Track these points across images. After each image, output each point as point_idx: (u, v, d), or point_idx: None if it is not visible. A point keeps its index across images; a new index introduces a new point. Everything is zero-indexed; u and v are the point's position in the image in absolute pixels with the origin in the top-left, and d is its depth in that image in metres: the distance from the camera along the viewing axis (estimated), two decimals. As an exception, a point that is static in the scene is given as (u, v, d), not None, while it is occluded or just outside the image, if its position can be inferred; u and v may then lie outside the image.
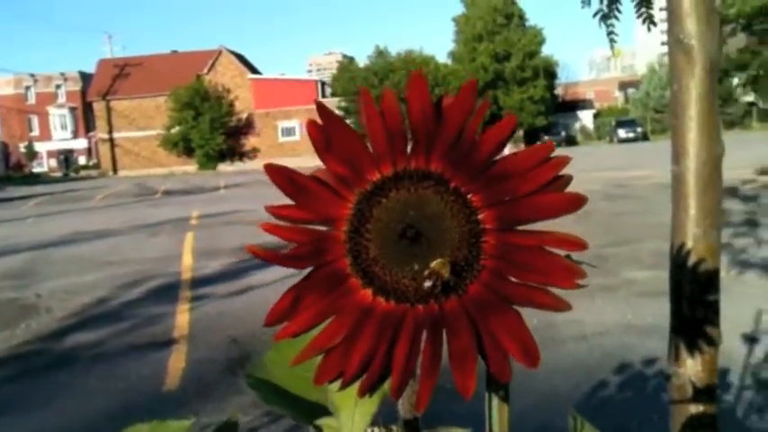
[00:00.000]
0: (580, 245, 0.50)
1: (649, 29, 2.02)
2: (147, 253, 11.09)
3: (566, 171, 0.53)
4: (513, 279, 0.53)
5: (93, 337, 6.54)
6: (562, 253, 0.52)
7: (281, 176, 0.54)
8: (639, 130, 46.62)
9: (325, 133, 0.54)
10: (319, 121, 0.54)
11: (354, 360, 0.52)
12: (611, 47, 2.07)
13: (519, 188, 0.52)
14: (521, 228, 0.53)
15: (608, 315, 6.00)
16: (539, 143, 0.52)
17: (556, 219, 0.51)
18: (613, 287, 6.88)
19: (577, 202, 0.51)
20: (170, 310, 7.36)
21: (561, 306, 0.51)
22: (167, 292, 8.26)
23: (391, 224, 0.54)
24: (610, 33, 2.03)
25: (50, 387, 5.10)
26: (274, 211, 0.55)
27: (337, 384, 0.52)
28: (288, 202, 0.56)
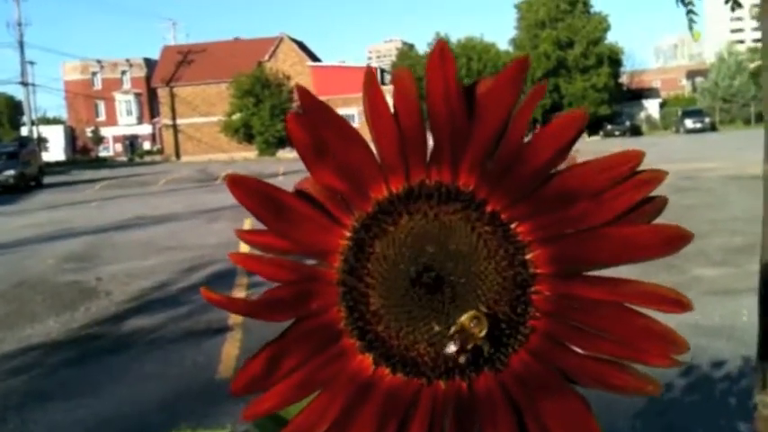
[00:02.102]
0: (683, 304, 0.34)
1: (733, 8, 1.82)
2: (205, 239, 11.17)
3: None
4: (575, 349, 0.36)
5: (150, 322, 6.58)
6: (653, 313, 0.35)
7: (248, 192, 0.39)
8: (707, 120, 45.31)
9: (313, 133, 0.38)
10: (305, 114, 0.38)
11: (346, 456, 0.37)
12: (691, 27, 1.86)
13: (589, 216, 0.36)
14: (590, 274, 0.37)
15: (674, 314, 5.76)
16: (621, 152, 0.35)
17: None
18: (681, 285, 6.58)
19: (680, 239, 0.34)
20: (226, 298, 7.36)
21: (649, 390, 0.35)
22: (224, 279, 8.28)
23: (401, 264, 0.38)
24: (689, 12, 1.82)
25: (106, 371, 5.13)
26: (247, 237, 0.40)
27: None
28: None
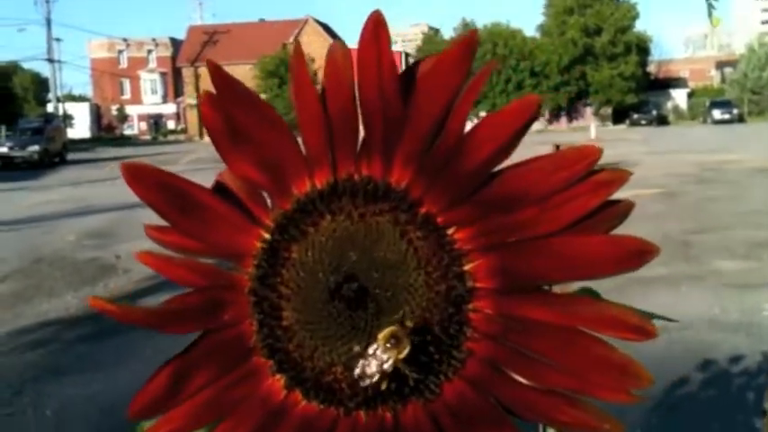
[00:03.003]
0: (646, 331, 0.28)
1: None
2: (223, 219, 11.18)
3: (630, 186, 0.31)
4: (519, 378, 0.31)
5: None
6: (610, 339, 0.29)
7: (148, 186, 0.33)
8: (735, 111, 44.62)
9: (229, 116, 0.33)
10: (218, 94, 0.33)
11: (250, 494, 0.32)
12: (710, 13, 1.77)
13: (535, 223, 0.30)
14: (539, 291, 0.31)
15: (692, 307, 5.65)
16: (575, 147, 0.29)
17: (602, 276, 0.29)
18: (699, 277, 6.48)
19: (640, 254, 0.28)
20: (243, 278, 7.38)
21: (606, 429, 0.29)
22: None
23: (319, 272, 0.32)
24: (708, -1, 1.73)
25: (123, 347, 5.13)
26: (155, 234, 0.35)
27: None
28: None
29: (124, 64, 57.57)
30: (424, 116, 0.31)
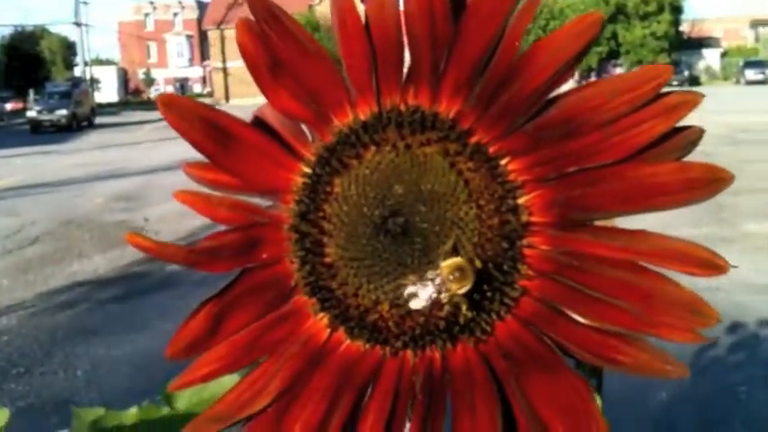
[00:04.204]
0: (718, 266, 0.26)
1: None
2: (251, 182, 11.23)
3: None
4: (575, 317, 0.29)
5: (196, 262, 6.65)
6: (676, 275, 0.27)
7: (185, 117, 0.32)
8: (769, 71, 43.75)
9: (268, 46, 0.31)
10: (258, 23, 0.31)
11: (293, 435, 0.30)
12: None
13: (599, 151, 0.28)
14: (598, 224, 0.29)
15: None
16: (643, 67, 0.27)
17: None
18: (730, 239, 6.40)
19: (714, 182, 0.26)
20: (272, 238, 7.44)
21: (668, 371, 0.27)
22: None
23: (364, 207, 0.31)
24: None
25: (152, 309, 5.20)
26: (193, 172, 0.34)
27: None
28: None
29: (151, 27, 57.64)
30: (475, 40, 0.29)
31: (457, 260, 0.30)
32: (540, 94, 0.28)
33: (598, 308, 0.28)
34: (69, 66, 51.91)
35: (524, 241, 0.30)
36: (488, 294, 0.30)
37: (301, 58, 0.32)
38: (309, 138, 0.33)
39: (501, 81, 0.29)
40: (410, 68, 0.30)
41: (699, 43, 56.22)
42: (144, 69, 56.05)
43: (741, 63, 46.98)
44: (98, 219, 8.57)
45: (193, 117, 0.32)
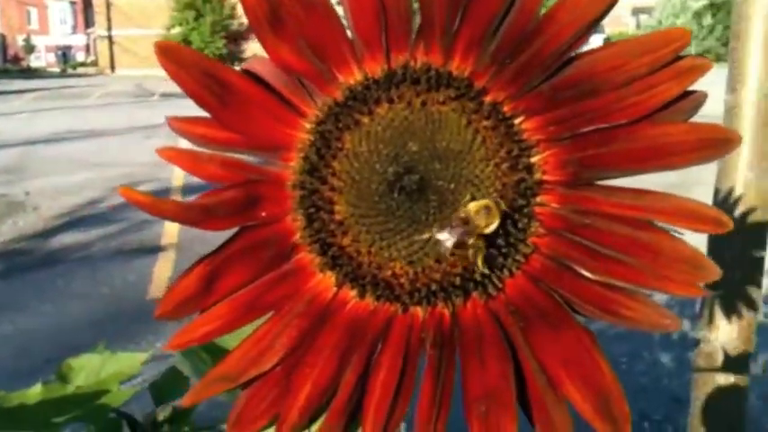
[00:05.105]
0: (722, 222, 0.27)
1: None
2: (140, 156, 10.87)
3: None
4: (585, 273, 0.30)
5: (80, 238, 6.41)
6: (681, 232, 0.29)
7: (184, 67, 0.30)
8: (649, 58, 45.88)
9: (269, -2, 0.30)
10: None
11: (300, 395, 0.30)
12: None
13: (615, 111, 0.29)
14: (607, 183, 0.30)
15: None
16: (662, 31, 0.28)
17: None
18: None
19: (723, 142, 0.28)
20: (159, 217, 7.22)
21: (666, 324, 0.29)
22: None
23: (376, 163, 0.31)
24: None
25: (33, 288, 4.99)
26: (180, 126, 0.32)
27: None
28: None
29: (30, -9, 54.59)
30: (490, -1, 0.29)
31: (484, 201, 0.30)
32: (560, 55, 0.29)
33: (606, 263, 0.29)
34: (-61, 29, 48.55)
35: (537, 199, 0.30)
36: (502, 250, 0.30)
37: (304, 11, 0.31)
38: (308, 94, 0.32)
39: (519, 40, 0.29)
40: (421, 25, 0.30)
41: (584, 29, 58.24)
42: (24, 36, 53.05)
43: (623, 50, 48.92)
44: (-25, 192, 8.10)
45: (191, 66, 0.31)
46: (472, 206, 0.29)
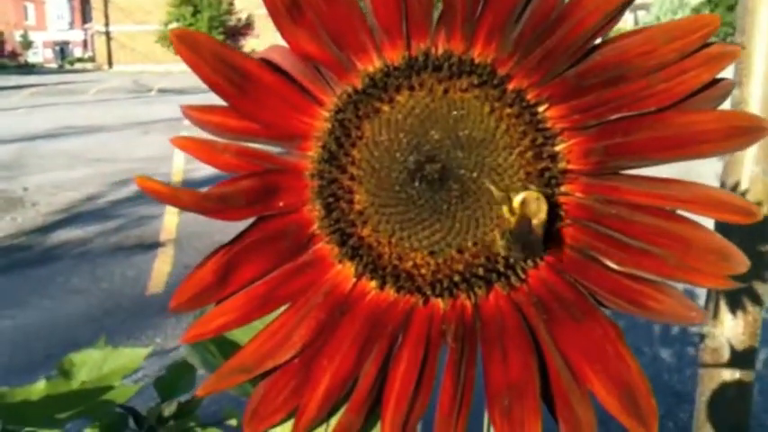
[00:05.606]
0: (751, 212, 0.27)
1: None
2: (138, 152, 10.87)
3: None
4: (610, 264, 0.29)
5: (79, 234, 6.40)
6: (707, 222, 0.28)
7: (200, 53, 0.30)
8: (648, 54, 45.90)
9: (288, -16, 0.29)
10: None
11: (319, 388, 0.29)
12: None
13: (642, 98, 0.28)
14: (633, 173, 0.29)
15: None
16: (691, 17, 0.28)
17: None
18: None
19: (752, 130, 0.27)
20: (158, 212, 7.21)
21: (692, 316, 0.28)
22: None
23: (397, 152, 0.30)
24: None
25: (32, 284, 4.98)
26: (195, 114, 0.32)
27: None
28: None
29: (28, -14, 54.51)
30: (513, -16, 0.28)
31: (533, 191, 0.29)
32: (586, 41, 0.28)
33: (632, 255, 0.29)
34: (-64, 24, 48.47)
35: (562, 188, 0.30)
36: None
37: (324, -1, 0.30)
38: (326, 82, 0.32)
39: (543, 27, 0.28)
40: (443, 12, 0.30)
41: (582, 26, 58.33)
42: (21, 32, 52.99)
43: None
44: (-26, 188, 8.09)
45: (208, 53, 0.30)
46: (527, 195, 0.29)
